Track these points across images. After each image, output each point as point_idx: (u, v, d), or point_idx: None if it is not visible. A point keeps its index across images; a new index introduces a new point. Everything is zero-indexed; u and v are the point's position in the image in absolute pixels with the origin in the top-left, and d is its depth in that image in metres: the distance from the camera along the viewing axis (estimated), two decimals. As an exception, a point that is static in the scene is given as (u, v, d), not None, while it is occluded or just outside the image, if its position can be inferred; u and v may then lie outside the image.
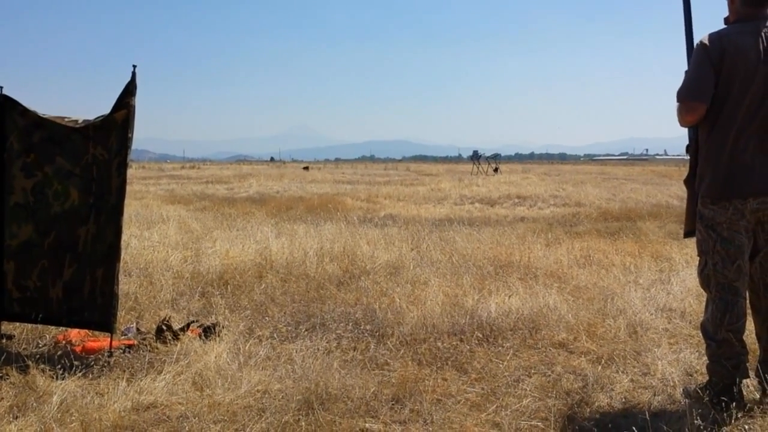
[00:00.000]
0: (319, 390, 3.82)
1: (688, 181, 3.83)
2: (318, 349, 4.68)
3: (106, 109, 4.78)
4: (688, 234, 3.91)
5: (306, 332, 5.17)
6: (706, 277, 3.71)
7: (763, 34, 3.54)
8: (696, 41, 3.72)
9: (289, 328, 5.28)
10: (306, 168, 58.00)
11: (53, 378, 4.08)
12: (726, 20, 3.74)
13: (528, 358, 4.60)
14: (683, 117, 3.68)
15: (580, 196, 20.68)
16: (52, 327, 5.07)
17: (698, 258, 3.79)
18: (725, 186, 3.58)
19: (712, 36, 3.62)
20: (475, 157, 49.94)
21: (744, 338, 3.65)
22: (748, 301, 3.71)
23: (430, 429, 3.48)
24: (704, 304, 3.83)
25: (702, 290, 3.85)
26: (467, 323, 5.21)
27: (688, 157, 3.87)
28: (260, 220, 12.49)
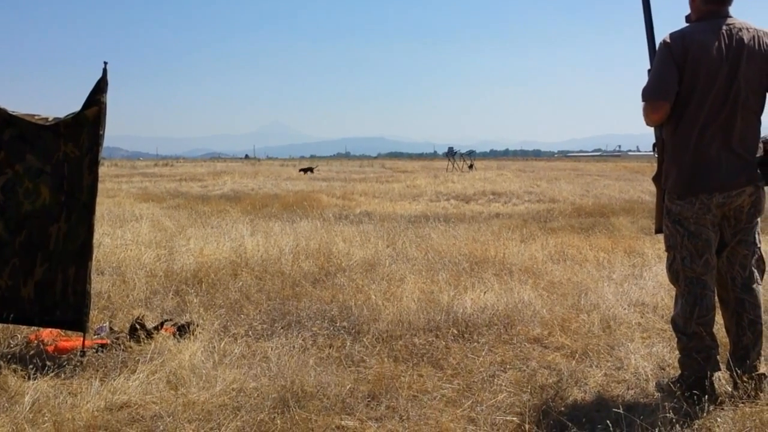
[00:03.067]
0: (294, 388, 3.81)
1: (657, 179, 3.89)
2: (293, 346, 4.67)
3: (76, 106, 4.73)
4: (659, 230, 3.96)
5: (281, 330, 5.15)
6: (674, 272, 3.76)
7: (724, 32, 3.59)
8: (658, 40, 3.77)
9: (265, 326, 5.26)
10: (308, 170, 40.24)
11: (25, 378, 4.03)
12: (687, 18, 3.78)
13: (503, 353, 4.63)
14: (649, 116, 3.72)
15: (554, 193, 20.84)
16: (24, 327, 5.00)
17: (666, 253, 3.84)
18: (691, 181, 3.62)
19: (674, 35, 3.66)
20: (450, 153, 49.95)
21: (714, 331, 3.70)
22: (716, 295, 3.77)
23: (406, 425, 3.49)
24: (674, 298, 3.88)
25: (672, 285, 3.90)
26: (443, 319, 5.23)
27: (656, 155, 3.92)
28: (235, 217, 12.42)
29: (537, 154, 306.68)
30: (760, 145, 3.70)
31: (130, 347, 4.62)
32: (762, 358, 3.76)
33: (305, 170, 40.07)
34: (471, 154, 53.36)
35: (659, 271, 6.68)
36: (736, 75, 3.55)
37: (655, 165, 3.93)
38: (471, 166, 45.06)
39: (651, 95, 3.67)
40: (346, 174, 40.07)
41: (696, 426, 3.32)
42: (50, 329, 4.97)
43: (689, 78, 3.58)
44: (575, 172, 42.31)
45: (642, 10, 3.99)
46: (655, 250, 8.14)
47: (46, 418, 3.47)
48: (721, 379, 3.81)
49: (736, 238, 3.71)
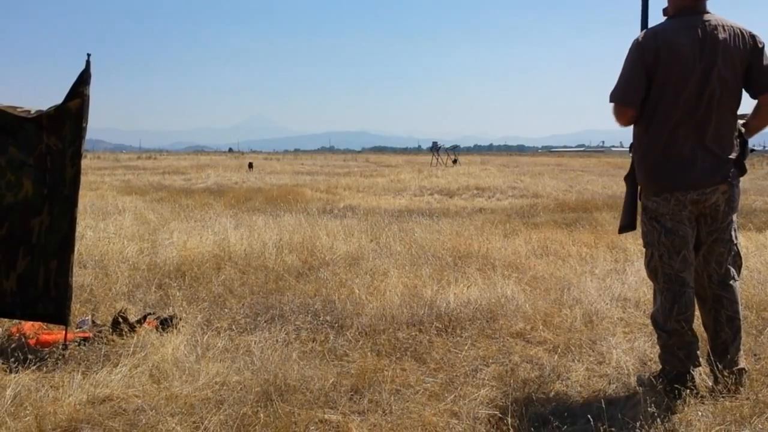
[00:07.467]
0: (277, 381, 3.81)
1: (628, 177, 3.91)
2: (277, 340, 4.66)
3: (58, 99, 4.70)
4: (622, 229, 3.99)
5: (265, 324, 5.14)
6: (653, 269, 3.78)
7: (699, 30, 3.57)
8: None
9: (248, 319, 5.25)
10: (249, 165, 40.29)
11: (7, 371, 4.00)
12: (665, 11, 3.76)
13: (486, 347, 4.65)
14: (615, 118, 3.77)
15: (538, 188, 20.91)
16: (6, 320, 4.97)
17: (644, 250, 3.87)
18: (665, 180, 3.64)
19: (647, 33, 3.66)
20: (435, 148, 49.91)
21: (695, 326, 3.73)
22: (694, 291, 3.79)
23: (389, 419, 3.49)
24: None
25: (651, 281, 3.93)
26: (426, 314, 5.24)
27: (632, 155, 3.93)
28: (218, 211, 12.38)
29: (521, 150, 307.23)
30: (736, 141, 3.71)
31: (113, 340, 4.59)
32: (742, 353, 3.80)
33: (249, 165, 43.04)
34: (455, 148, 53.34)
35: (641, 266, 6.67)
36: (710, 74, 3.55)
37: None
38: (455, 161, 45.09)
39: (616, 99, 3.71)
40: (330, 168, 40.00)
41: (677, 420, 3.35)
42: (32, 322, 4.94)
43: (661, 78, 3.59)
44: (559, 167, 42.47)
45: (640, 4, 3.97)
46: (637, 245, 8.17)
47: (27, 412, 3.44)
48: (702, 373, 3.85)
49: (712, 237, 3.74)
